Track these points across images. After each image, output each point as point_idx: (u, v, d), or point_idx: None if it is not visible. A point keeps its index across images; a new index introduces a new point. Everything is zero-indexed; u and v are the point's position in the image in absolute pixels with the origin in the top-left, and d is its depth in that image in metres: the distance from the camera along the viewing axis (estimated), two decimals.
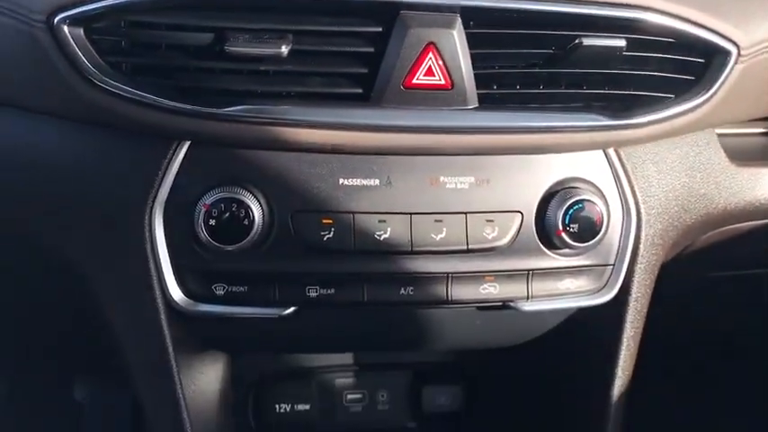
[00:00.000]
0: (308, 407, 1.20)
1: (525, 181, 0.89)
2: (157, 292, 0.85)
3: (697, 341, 1.56)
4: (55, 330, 1.32)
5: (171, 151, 0.83)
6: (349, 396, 1.25)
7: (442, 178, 0.87)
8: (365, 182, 0.85)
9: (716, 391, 1.60)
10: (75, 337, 1.28)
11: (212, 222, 0.81)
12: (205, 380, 1.02)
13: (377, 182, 0.86)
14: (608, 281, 0.96)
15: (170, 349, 0.89)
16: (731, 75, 0.89)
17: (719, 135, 1.03)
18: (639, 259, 0.96)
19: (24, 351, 1.62)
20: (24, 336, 1.38)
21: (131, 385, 0.95)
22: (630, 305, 0.97)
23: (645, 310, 1.00)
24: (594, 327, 1.00)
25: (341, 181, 0.85)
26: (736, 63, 0.89)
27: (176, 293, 0.86)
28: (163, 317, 0.87)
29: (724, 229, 1.09)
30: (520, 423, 1.23)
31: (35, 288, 1.12)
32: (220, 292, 0.87)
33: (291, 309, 0.89)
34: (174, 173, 0.83)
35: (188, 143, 0.83)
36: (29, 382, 2.01)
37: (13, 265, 1.03)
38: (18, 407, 1.98)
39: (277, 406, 1.20)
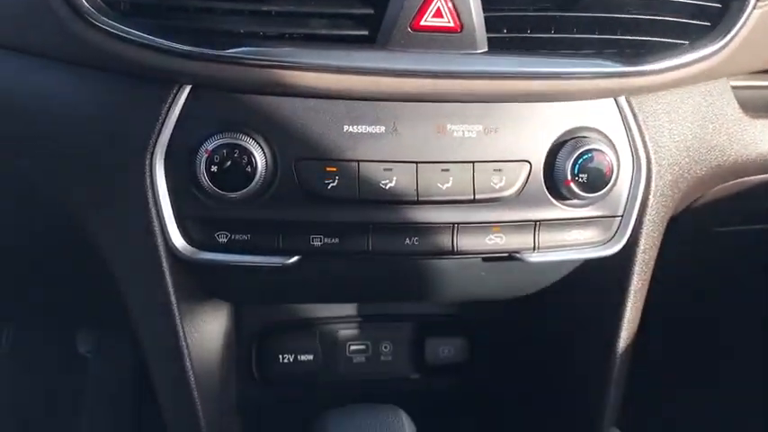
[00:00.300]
0: (311, 357, 1.20)
1: (534, 130, 0.87)
2: (159, 240, 0.84)
3: (701, 296, 1.55)
4: (57, 283, 1.32)
5: (171, 95, 0.81)
6: (352, 347, 1.25)
7: (449, 126, 0.85)
8: (370, 129, 0.83)
9: (720, 346, 1.60)
10: (77, 289, 1.28)
11: (214, 169, 0.80)
12: (208, 329, 1.02)
13: (382, 129, 0.84)
14: (616, 232, 0.94)
15: (172, 298, 0.88)
16: (749, 21, 0.87)
17: (733, 87, 1.00)
18: (648, 211, 0.94)
19: (26, 304, 1.62)
20: (26, 289, 1.38)
21: (134, 336, 0.95)
22: (638, 257, 0.96)
23: (652, 263, 0.99)
24: (601, 278, 0.99)
25: (345, 128, 0.83)
26: (754, 8, 0.87)
27: (178, 241, 0.85)
28: (165, 265, 0.86)
29: (734, 182, 1.07)
30: (523, 375, 1.23)
31: (37, 238, 1.11)
32: (223, 240, 0.85)
33: (295, 258, 0.88)
34: (175, 118, 0.81)
35: (189, 87, 0.81)
36: (31, 336, 2.02)
37: (14, 214, 1.02)
38: (20, 361, 1.99)
39: (280, 356, 1.19)
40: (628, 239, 0.95)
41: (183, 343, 0.91)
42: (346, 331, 1.24)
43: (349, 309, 1.24)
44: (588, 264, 0.98)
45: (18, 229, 1.07)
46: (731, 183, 1.08)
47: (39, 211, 0.97)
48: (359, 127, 0.83)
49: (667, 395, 1.62)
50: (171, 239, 0.85)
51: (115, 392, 1.91)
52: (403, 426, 0.73)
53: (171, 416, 0.95)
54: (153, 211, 0.83)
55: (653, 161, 0.92)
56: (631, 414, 1.06)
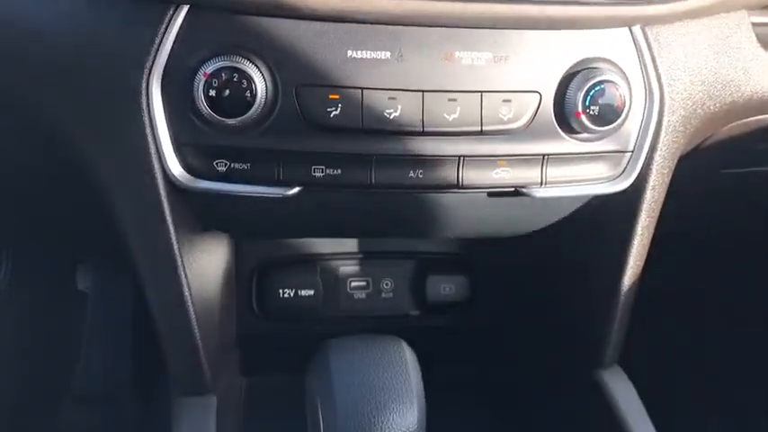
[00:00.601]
0: (311, 293, 1.19)
1: (545, 59, 0.84)
2: (156, 166, 0.82)
3: (707, 240, 1.54)
4: (55, 217, 1.30)
5: (168, 16, 0.77)
6: (353, 283, 1.24)
7: (457, 53, 0.82)
8: (375, 55, 0.80)
9: (721, 288, 1.59)
10: (77, 222, 1.26)
11: (212, 93, 0.77)
12: (207, 262, 1.00)
13: (387, 55, 0.80)
14: (625, 168, 0.92)
15: (171, 229, 0.87)
16: None
17: (753, 25, 0.97)
18: (660, 146, 0.92)
19: (25, 239, 1.61)
20: (24, 223, 1.36)
21: (133, 269, 0.93)
22: (647, 194, 0.94)
23: (661, 200, 0.97)
24: (608, 215, 0.97)
25: (349, 53, 0.80)
26: None
27: (176, 168, 0.83)
28: (162, 193, 0.84)
29: (747, 120, 1.05)
30: (525, 313, 1.22)
31: (37, 167, 1.09)
32: (222, 168, 0.83)
33: (296, 189, 0.85)
34: (173, 39, 0.78)
35: (187, 7, 0.78)
36: (29, 272, 2.02)
37: (14, 140, 0.99)
38: (20, 296, 1.99)
39: (280, 291, 1.19)
40: (637, 175, 0.93)
41: (183, 275, 0.89)
42: (347, 267, 1.23)
43: (350, 245, 1.23)
44: (595, 200, 0.96)
45: (17, 157, 1.04)
46: (743, 121, 1.05)
47: (38, 137, 0.94)
48: (363, 52, 0.80)
49: (668, 335, 1.63)
50: (169, 167, 0.82)
51: (114, 328, 1.92)
52: (404, 356, 0.72)
53: (170, 349, 0.95)
54: (150, 137, 0.81)
55: (666, 95, 0.90)
56: (633, 352, 1.06)
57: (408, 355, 0.73)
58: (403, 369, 0.72)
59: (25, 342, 1.92)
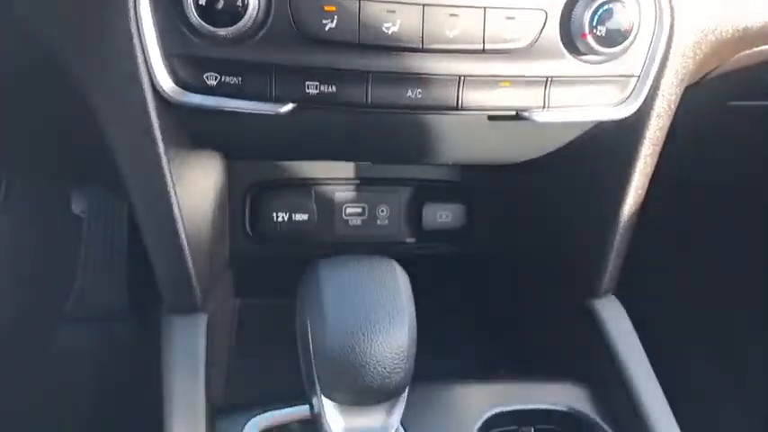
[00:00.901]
0: (305, 217, 1.17)
1: None
2: (144, 78, 0.79)
3: (708, 178, 1.52)
4: (50, 141, 1.28)
5: None
6: (348, 209, 1.22)
7: None
8: None
9: (721, 230, 1.58)
10: (70, 147, 1.23)
11: (203, 1, 0.74)
12: (199, 182, 0.98)
13: None
14: (631, 93, 0.89)
15: (160, 144, 0.84)
16: None
17: None
18: (667, 72, 0.89)
19: (18, 163, 1.58)
20: (17, 147, 1.33)
21: (123, 187, 0.91)
22: (652, 121, 0.92)
23: (665, 130, 0.94)
24: (611, 143, 0.94)
25: None
26: None
27: (165, 80, 0.79)
28: (151, 106, 0.81)
29: (758, 49, 1.01)
30: (522, 241, 1.21)
31: (26, 87, 1.06)
32: (212, 82, 0.80)
33: (289, 106, 0.82)
34: None
35: None
36: (24, 196, 2.01)
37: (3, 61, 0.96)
38: (16, 219, 1.99)
39: (274, 214, 1.17)
40: (643, 102, 0.90)
41: (172, 193, 0.87)
42: (343, 193, 1.21)
43: (346, 170, 1.20)
44: (598, 127, 0.93)
45: (5, 72, 1.01)
46: (755, 50, 1.01)
47: (27, 53, 0.91)
48: None
49: (667, 269, 1.62)
50: (157, 79, 0.79)
51: (110, 251, 1.92)
52: (397, 276, 0.70)
53: (160, 267, 0.93)
54: (138, 47, 0.77)
55: (676, 18, 0.86)
56: (630, 284, 1.05)
57: (400, 276, 0.72)
58: (395, 289, 0.70)
59: (21, 265, 1.93)
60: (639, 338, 1.02)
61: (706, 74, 1.02)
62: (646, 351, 1.01)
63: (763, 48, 1.01)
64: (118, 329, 1.83)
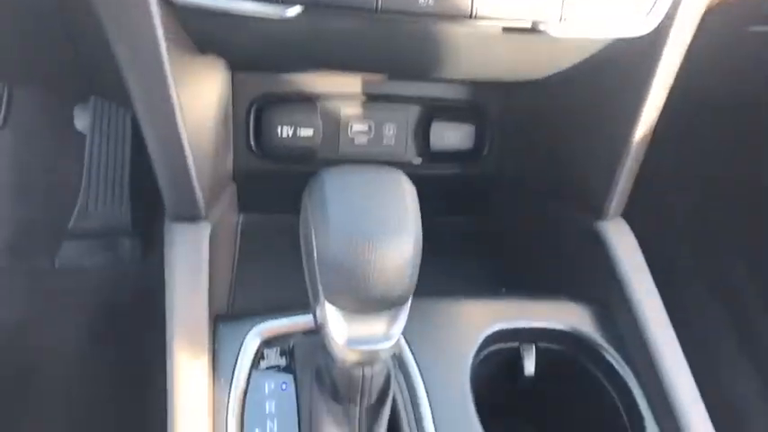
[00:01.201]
0: (310, 133, 1.15)
1: None
2: None
3: (724, 108, 1.49)
4: (54, 45, 1.24)
5: None
6: (355, 127, 1.19)
7: None
8: None
9: (734, 155, 1.56)
10: (75, 50, 1.20)
11: None
12: (203, 92, 0.96)
13: None
14: (652, 8, 0.86)
15: (162, 49, 0.81)
16: None
17: None
18: None
19: (21, 73, 1.55)
20: (21, 56, 1.30)
21: (126, 94, 0.89)
22: (670, 39, 0.88)
23: (683, 51, 0.91)
24: (627, 62, 0.91)
25: None
26: None
27: None
28: (154, 7, 0.78)
29: None
30: (532, 165, 1.19)
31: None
32: None
33: (297, 9, 0.79)
34: None
35: None
36: (28, 113, 1.98)
37: None
38: (19, 135, 1.97)
39: (279, 128, 1.14)
40: (663, 18, 0.86)
41: (175, 97, 0.85)
42: (349, 109, 1.18)
43: (354, 86, 1.17)
44: (615, 45, 0.90)
45: None
46: None
47: None
48: None
49: (678, 193, 1.61)
50: None
51: (113, 168, 1.91)
52: (403, 186, 0.68)
53: (163, 173, 0.92)
54: None
55: None
56: (639, 208, 1.04)
57: (407, 186, 0.70)
58: (401, 199, 0.69)
59: (24, 181, 1.92)
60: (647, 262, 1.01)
61: None
62: (653, 275, 1.00)
63: None
64: (120, 245, 1.84)
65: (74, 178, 1.91)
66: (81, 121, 1.98)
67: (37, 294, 1.76)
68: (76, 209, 1.87)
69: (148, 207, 1.86)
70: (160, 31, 0.80)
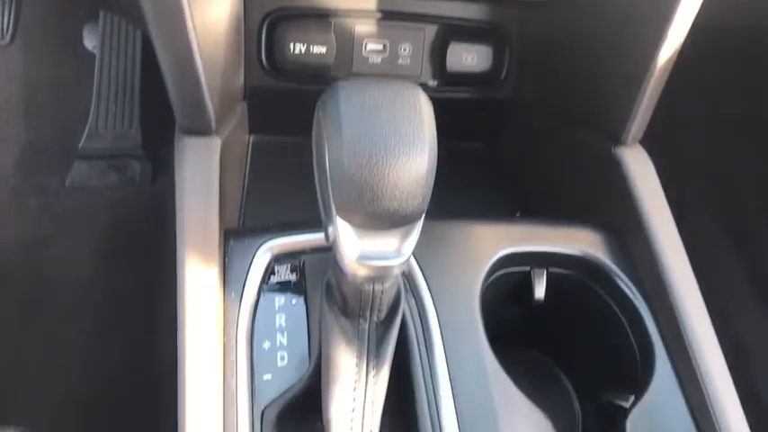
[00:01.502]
0: (323, 50, 1.12)
1: None
2: None
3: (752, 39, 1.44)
4: None
5: None
6: (369, 45, 1.16)
7: None
8: None
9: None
10: None
11: None
12: (214, 9, 0.93)
13: None
14: None
15: None
16: None
17: None
18: None
19: None
20: None
21: (138, 14, 0.86)
22: None
23: None
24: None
25: None
26: None
27: None
28: None
29: None
30: (550, 89, 1.15)
31: None
32: None
33: None
34: None
35: None
36: (36, 29, 1.95)
37: None
38: (27, 54, 1.94)
39: (291, 45, 1.11)
40: None
41: (188, 16, 0.82)
42: (364, 27, 1.14)
43: (369, 2, 1.13)
44: None
45: None
46: None
47: None
48: None
49: (694, 129, 1.58)
50: None
51: (123, 87, 1.89)
52: (420, 100, 0.66)
53: (176, 91, 0.90)
54: None
55: None
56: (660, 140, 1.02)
57: (424, 102, 0.68)
58: (417, 114, 0.66)
59: (34, 99, 1.90)
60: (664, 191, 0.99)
61: None
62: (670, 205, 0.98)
63: None
64: (131, 167, 1.83)
65: (84, 98, 1.90)
66: (90, 40, 1.95)
67: (48, 213, 1.77)
68: (86, 129, 1.86)
69: (159, 129, 1.85)
70: None
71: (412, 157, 0.64)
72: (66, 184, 1.81)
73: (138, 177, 1.84)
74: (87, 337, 1.54)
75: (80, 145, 1.86)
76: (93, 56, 1.94)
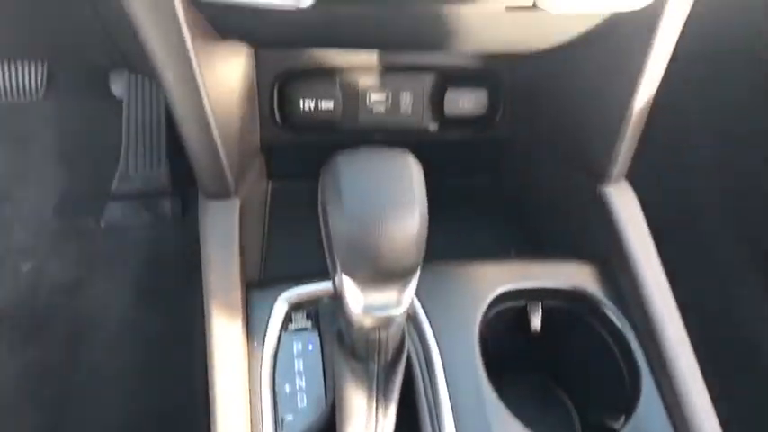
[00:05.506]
0: (331, 105, 1.21)
1: None
2: None
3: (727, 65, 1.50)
4: (83, 34, 1.32)
5: None
6: (373, 97, 1.25)
7: None
8: None
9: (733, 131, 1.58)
10: (105, 33, 1.27)
11: None
12: (226, 72, 1.03)
13: None
14: None
15: (186, 36, 0.88)
16: None
17: None
18: None
19: (56, 45, 1.63)
20: (53, 28, 1.38)
21: (157, 80, 0.96)
22: (667, 9, 0.92)
23: (678, 27, 0.94)
24: (627, 32, 0.95)
25: None
26: None
27: None
28: (177, 2, 0.84)
29: None
30: (540, 129, 1.24)
31: None
32: None
33: (309, 0, 0.85)
34: None
35: None
36: (67, 83, 2.07)
37: None
38: (57, 105, 2.06)
39: (301, 101, 1.21)
40: None
41: (201, 83, 0.92)
42: (367, 80, 1.24)
43: (370, 58, 1.23)
44: (614, 19, 0.94)
45: None
46: None
47: None
48: None
49: (678, 155, 1.64)
50: None
51: (150, 131, 1.99)
52: (411, 168, 0.75)
53: (197, 160, 1.00)
54: None
55: None
56: (645, 174, 1.09)
57: (414, 167, 0.77)
58: (408, 179, 0.75)
59: (67, 148, 2.02)
60: (651, 220, 1.07)
61: None
62: (659, 231, 1.06)
63: None
64: (160, 205, 1.94)
65: (114, 142, 2.01)
66: (117, 87, 2.07)
67: (85, 254, 1.88)
68: (118, 172, 1.97)
69: (185, 167, 1.96)
70: (185, 26, 0.87)
71: (404, 219, 0.74)
72: (102, 225, 1.92)
73: (169, 214, 1.94)
74: (125, 374, 1.64)
75: (113, 187, 1.96)
76: (120, 101, 2.06)
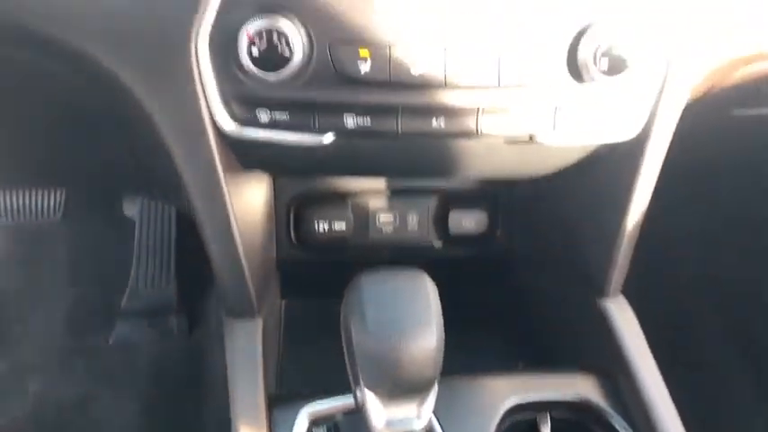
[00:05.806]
0: (343, 226, 1.30)
1: (557, 20, 0.91)
2: (206, 118, 0.91)
3: (717, 180, 1.61)
4: (114, 158, 1.41)
5: None
6: (382, 218, 1.34)
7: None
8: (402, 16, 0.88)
9: (734, 227, 1.67)
10: (124, 159, 1.37)
11: (255, 51, 0.85)
12: (251, 198, 1.11)
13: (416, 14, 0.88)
14: (633, 118, 0.99)
15: (219, 170, 0.97)
16: None
17: None
18: (666, 97, 0.97)
19: (79, 174, 1.72)
20: (82, 159, 1.47)
21: (188, 203, 1.03)
22: (653, 140, 1.01)
23: (666, 145, 1.04)
24: (616, 158, 1.04)
25: (378, 5, 0.87)
26: None
27: (224, 119, 0.92)
28: (212, 140, 0.94)
29: (757, 67, 1.10)
30: (539, 247, 1.32)
31: (101, 122, 1.18)
32: (264, 118, 0.92)
33: (330, 137, 0.95)
34: (218, 2, 0.86)
35: None
36: (82, 206, 2.16)
37: (81, 89, 1.07)
38: (71, 228, 2.15)
39: (316, 223, 1.30)
40: (644, 125, 1.00)
41: (230, 210, 1.00)
42: (376, 203, 1.33)
43: (379, 183, 1.33)
44: (603, 148, 1.03)
45: (84, 104, 1.13)
46: (755, 67, 1.09)
47: (105, 91, 1.02)
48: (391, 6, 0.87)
49: (672, 268, 1.72)
50: (217, 118, 0.92)
51: (159, 251, 2.06)
52: (427, 288, 0.82)
53: (224, 280, 1.06)
54: (200, 91, 0.90)
55: (673, 49, 0.95)
56: (641, 287, 1.16)
57: (430, 287, 0.84)
58: (425, 299, 0.82)
59: (80, 267, 2.08)
60: (651, 333, 1.13)
61: (707, 89, 1.11)
62: (659, 344, 1.12)
63: (762, 64, 1.10)
64: (168, 322, 1.98)
65: (124, 260, 2.08)
66: (129, 209, 2.17)
67: (94, 371, 1.90)
68: (127, 290, 2.02)
69: (192, 286, 2.02)
70: (217, 158, 0.96)
71: (424, 336, 0.80)
72: (111, 341, 1.95)
73: (175, 330, 1.98)
74: None
75: (122, 304, 2.01)
76: (132, 222, 2.14)
